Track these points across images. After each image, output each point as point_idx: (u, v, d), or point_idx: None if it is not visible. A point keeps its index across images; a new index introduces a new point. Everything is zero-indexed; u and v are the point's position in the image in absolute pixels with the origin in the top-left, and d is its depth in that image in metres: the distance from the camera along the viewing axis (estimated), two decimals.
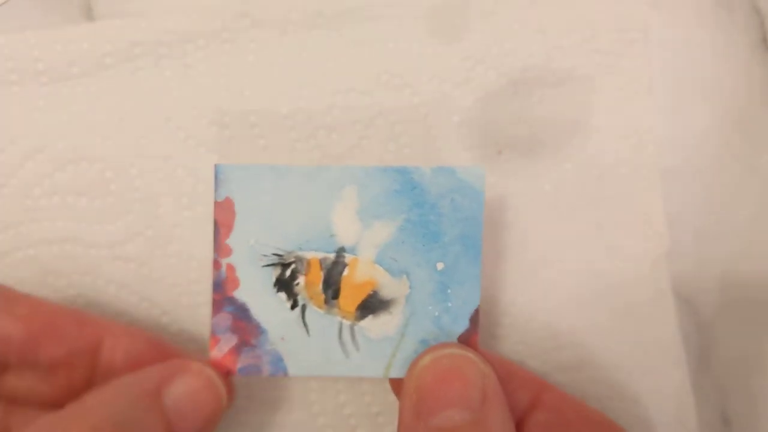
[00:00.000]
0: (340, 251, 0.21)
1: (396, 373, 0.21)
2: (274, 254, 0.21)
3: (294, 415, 0.24)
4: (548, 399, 0.21)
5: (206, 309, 0.24)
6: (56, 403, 0.20)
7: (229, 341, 0.21)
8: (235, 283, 0.21)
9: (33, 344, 0.20)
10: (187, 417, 0.19)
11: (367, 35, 0.25)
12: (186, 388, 0.20)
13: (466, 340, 0.21)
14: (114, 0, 0.26)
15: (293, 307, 0.21)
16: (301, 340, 0.21)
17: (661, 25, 0.25)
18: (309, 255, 0.21)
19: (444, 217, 0.21)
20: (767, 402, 0.25)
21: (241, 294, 0.21)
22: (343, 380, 0.24)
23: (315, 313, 0.21)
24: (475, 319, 0.21)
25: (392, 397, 0.22)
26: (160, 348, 0.22)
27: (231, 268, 0.21)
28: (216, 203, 0.21)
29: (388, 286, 0.21)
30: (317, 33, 0.25)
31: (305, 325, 0.21)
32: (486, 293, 0.24)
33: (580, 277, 0.24)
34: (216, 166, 0.21)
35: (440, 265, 0.21)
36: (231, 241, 0.21)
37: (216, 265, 0.21)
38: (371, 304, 0.21)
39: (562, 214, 0.24)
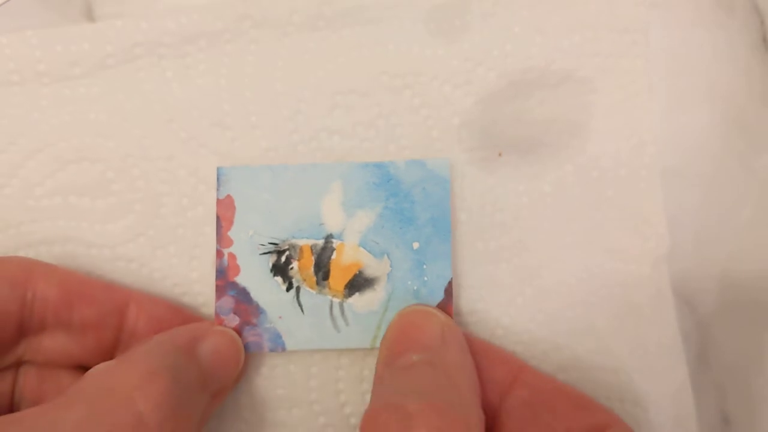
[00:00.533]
0: (329, 238, 0.24)
1: None
2: (270, 243, 0.24)
3: (295, 414, 0.24)
4: (527, 377, 0.22)
5: (208, 309, 0.24)
6: (85, 366, 0.22)
7: (232, 321, 0.24)
8: (236, 270, 0.24)
9: (67, 305, 0.22)
10: (216, 369, 0.22)
11: (367, 37, 0.25)
12: (214, 345, 0.22)
13: (443, 309, 0.23)
14: (114, 0, 0.26)
15: (288, 289, 0.24)
16: (297, 318, 0.24)
17: (660, 25, 0.25)
18: (301, 242, 0.24)
19: (417, 203, 0.24)
20: (767, 402, 0.25)
21: (241, 279, 0.24)
22: (344, 380, 0.24)
23: (308, 293, 0.24)
24: (449, 290, 0.24)
25: None
26: (180, 314, 0.24)
27: (232, 256, 0.24)
28: (218, 200, 0.24)
29: (372, 266, 0.24)
30: (318, 34, 0.25)
31: (300, 304, 0.24)
32: (486, 293, 0.24)
33: (580, 278, 0.24)
34: (218, 169, 0.24)
35: (416, 245, 0.24)
36: (232, 233, 0.24)
37: (219, 254, 0.24)
38: (357, 283, 0.24)
39: (562, 215, 0.24)
